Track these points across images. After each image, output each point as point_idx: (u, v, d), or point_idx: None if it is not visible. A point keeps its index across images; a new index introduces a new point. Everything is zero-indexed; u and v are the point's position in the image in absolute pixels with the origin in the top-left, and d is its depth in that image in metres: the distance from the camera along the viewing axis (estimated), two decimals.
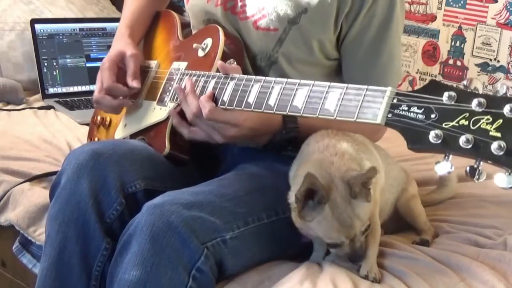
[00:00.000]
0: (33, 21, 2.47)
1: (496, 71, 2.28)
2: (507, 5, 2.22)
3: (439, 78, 2.46)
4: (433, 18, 2.45)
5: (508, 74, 2.25)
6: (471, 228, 1.50)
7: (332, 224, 1.18)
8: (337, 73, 1.49)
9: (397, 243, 1.42)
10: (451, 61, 2.42)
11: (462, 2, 2.35)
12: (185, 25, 1.66)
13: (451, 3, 2.38)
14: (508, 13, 2.23)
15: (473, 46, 2.33)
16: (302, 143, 1.34)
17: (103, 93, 1.52)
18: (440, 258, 1.33)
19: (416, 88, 2.50)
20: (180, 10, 2.48)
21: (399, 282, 1.23)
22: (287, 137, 1.37)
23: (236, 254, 1.27)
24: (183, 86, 1.36)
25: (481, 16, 2.29)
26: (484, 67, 2.31)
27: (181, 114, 1.37)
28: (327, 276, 1.23)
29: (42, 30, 2.48)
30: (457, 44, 2.38)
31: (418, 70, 2.52)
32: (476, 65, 2.34)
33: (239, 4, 1.47)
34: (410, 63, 2.54)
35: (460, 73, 2.39)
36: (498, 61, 2.27)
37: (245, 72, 1.41)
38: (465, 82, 0.97)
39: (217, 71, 1.36)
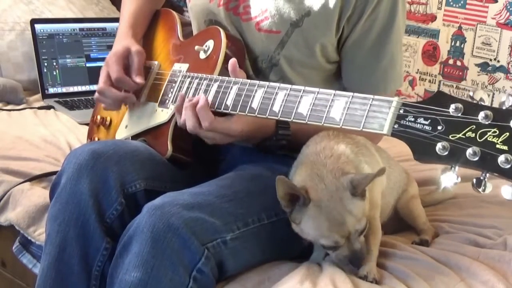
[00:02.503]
0: (33, 21, 2.47)
1: (496, 71, 2.28)
2: (507, 5, 2.22)
3: (439, 78, 2.46)
4: (433, 18, 2.44)
5: (508, 74, 2.25)
6: (471, 228, 1.50)
7: (321, 222, 1.19)
8: (336, 77, 1.49)
9: (397, 243, 1.42)
10: (451, 61, 2.42)
11: (462, 2, 2.35)
12: (185, 25, 1.64)
13: (451, 3, 2.38)
14: (508, 13, 2.22)
15: (473, 46, 2.33)
16: (293, 148, 1.35)
17: (108, 84, 1.52)
18: (440, 258, 1.34)
19: (416, 88, 2.53)
20: (180, 10, 2.49)
21: (399, 283, 1.23)
22: (276, 143, 1.39)
23: (237, 255, 1.27)
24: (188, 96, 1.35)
25: (481, 16, 2.29)
26: (484, 67, 2.31)
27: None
28: (327, 276, 1.23)
29: (42, 30, 2.48)
30: (457, 44, 2.38)
31: (418, 70, 2.52)
32: (476, 65, 2.33)
33: (242, 5, 1.46)
34: (410, 63, 2.54)
35: (460, 73, 2.39)
36: (498, 61, 2.27)
37: (245, 73, 1.41)
38: (470, 93, 0.97)
39: (220, 74, 1.36)
